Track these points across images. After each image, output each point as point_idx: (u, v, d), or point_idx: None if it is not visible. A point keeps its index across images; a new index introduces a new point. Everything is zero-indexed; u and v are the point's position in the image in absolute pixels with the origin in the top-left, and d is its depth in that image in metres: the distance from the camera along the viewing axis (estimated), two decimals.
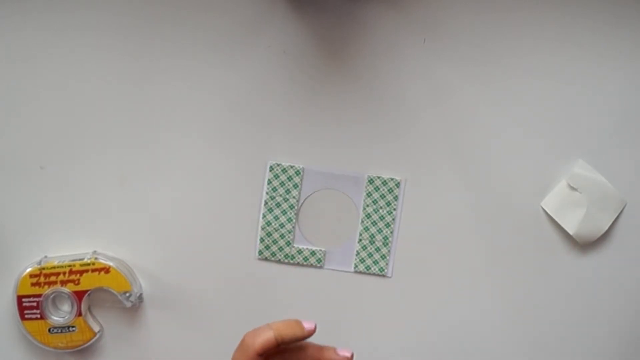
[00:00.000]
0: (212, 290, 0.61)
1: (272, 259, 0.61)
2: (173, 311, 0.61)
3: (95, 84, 0.61)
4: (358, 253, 0.60)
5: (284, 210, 0.60)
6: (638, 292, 0.60)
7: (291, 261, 0.61)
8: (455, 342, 0.61)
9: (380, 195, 0.60)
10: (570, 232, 0.59)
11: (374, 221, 0.60)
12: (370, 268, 0.60)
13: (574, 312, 0.60)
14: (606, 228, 0.60)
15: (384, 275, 0.61)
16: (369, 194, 0.60)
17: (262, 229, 0.61)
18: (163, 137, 0.61)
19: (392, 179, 0.60)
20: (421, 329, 0.61)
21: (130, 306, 0.60)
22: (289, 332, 0.51)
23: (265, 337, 0.49)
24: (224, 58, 0.61)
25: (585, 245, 0.60)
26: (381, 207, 0.60)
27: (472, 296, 0.60)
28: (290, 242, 0.61)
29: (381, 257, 0.60)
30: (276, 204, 0.60)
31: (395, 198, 0.60)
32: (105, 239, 0.61)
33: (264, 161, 0.61)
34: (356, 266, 0.60)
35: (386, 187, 0.60)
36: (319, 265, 0.61)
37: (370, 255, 0.60)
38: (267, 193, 0.60)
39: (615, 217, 0.60)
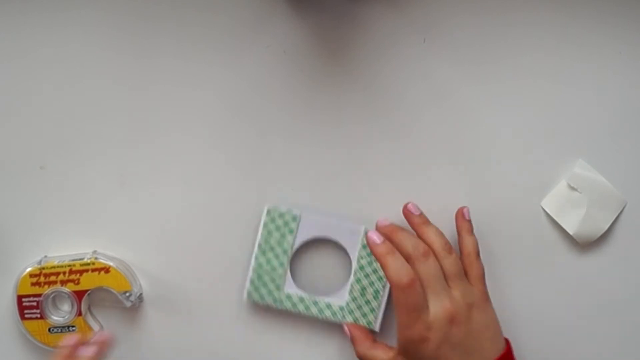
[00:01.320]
0: (213, 290, 0.61)
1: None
2: (173, 311, 0.61)
3: (94, 84, 0.61)
4: (348, 304, 0.59)
5: (277, 254, 0.59)
6: (638, 292, 0.60)
7: (279, 306, 0.59)
8: None
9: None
10: (570, 232, 0.59)
11: (367, 274, 0.59)
12: (357, 321, 0.59)
13: (574, 312, 0.60)
14: (606, 228, 0.60)
15: (371, 330, 0.59)
16: (364, 246, 0.59)
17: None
18: (163, 137, 0.61)
19: None
20: None
21: (130, 306, 0.60)
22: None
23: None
24: (224, 58, 0.61)
25: (585, 245, 0.60)
26: (375, 261, 0.58)
27: None
28: (280, 285, 0.59)
29: (370, 310, 0.59)
30: (269, 248, 0.59)
31: None
32: (105, 239, 0.61)
33: (263, 160, 0.61)
34: (344, 317, 0.59)
35: None
36: (305, 313, 0.59)
37: (359, 307, 0.59)
38: (262, 235, 0.59)
39: (615, 217, 0.60)
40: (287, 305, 0.59)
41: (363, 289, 0.59)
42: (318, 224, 0.60)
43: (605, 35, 0.60)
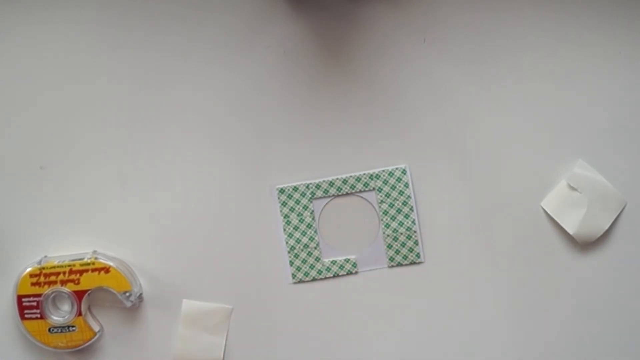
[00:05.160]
0: (213, 290, 0.61)
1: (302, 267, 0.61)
2: (173, 311, 0.61)
3: (94, 84, 0.61)
4: (387, 251, 0.60)
5: (303, 231, 0.61)
6: (638, 292, 0.60)
7: (327, 274, 0.61)
8: (453, 340, 0.61)
9: (391, 187, 0.60)
10: (570, 232, 0.59)
11: (393, 216, 0.60)
12: (405, 259, 0.60)
13: (574, 312, 0.60)
14: (606, 228, 0.60)
15: (420, 262, 0.60)
16: (379, 190, 0.60)
17: (289, 251, 0.60)
18: (163, 137, 0.61)
19: (397, 168, 0.60)
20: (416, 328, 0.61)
21: (130, 306, 0.60)
22: None
23: None
24: (224, 58, 0.61)
25: (585, 245, 0.60)
26: (396, 199, 0.60)
27: (471, 297, 0.60)
28: (320, 257, 0.61)
29: (410, 249, 0.60)
30: (294, 228, 0.61)
31: (406, 185, 0.60)
32: (105, 239, 0.61)
33: (264, 160, 0.61)
34: (392, 259, 0.60)
35: (394, 178, 0.60)
36: (354, 270, 0.61)
37: (398, 250, 0.60)
38: (282, 217, 0.61)
39: (615, 217, 0.60)
40: (335, 270, 0.60)
41: (395, 230, 0.60)
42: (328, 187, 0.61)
43: (605, 35, 0.60)
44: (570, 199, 0.60)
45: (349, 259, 0.60)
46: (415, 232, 0.60)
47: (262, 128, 0.61)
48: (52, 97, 0.61)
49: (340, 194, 0.61)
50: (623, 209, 0.60)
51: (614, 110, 0.60)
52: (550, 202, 0.60)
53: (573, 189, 0.60)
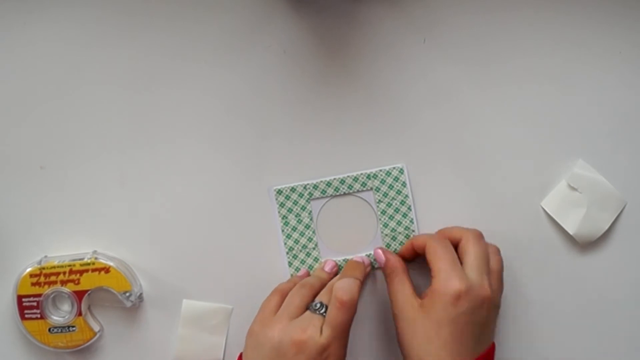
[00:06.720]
0: (213, 290, 0.61)
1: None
2: (173, 311, 0.61)
3: (94, 84, 0.61)
4: (389, 246, 0.60)
5: (302, 232, 0.61)
6: (638, 292, 0.60)
7: None
8: None
9: (389, 187, 0.60)
10: (570, 232, 0.59)
11: (391, 215, 0.60)
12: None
13: (574, 312, 0.60)
14: (606, 228, 0.60)
15: None
16: (377, 189, 0.60)
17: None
18: (163, 137, 0.61)
19: (394, 168, 0.60)
20: None
21: (130, 306, 0.60)
22: (364, 274, 0.58)
23: (356, 287, 0.54)
24: (224, 58, 0.61)
25: (585, 245, 0.60)
26: (394, 198, 0.60)
27: None
28: (318, 258, 0.61)
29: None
30: (292, 229, 0.61)
31: (404, 185, 0.60)
32: (105, 239, 0.61)
33: (264, 160, 0.61)
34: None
35: (391, 177, 0.60)
36: None
37: (397, 250, 0.60)
38: (281, 219, 0.61)
39: (615, 217, 0.60)
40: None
41: (393, 230, 0.60)
42: (327, 187, 0.61)
43: (605, 35, 0.60)
44: (570, 199, 0.60)
45: (347, 259, 0.60)
46: (413, 231, 0.60)
47: (260, 128, 0.61)
48: (52, 97, 0.61)
49: (337, 194, 0.61)
50: (623, 209, 0.60)
51: (614, 111, 0.60)
52: (550, 202, 0.60)
53: (573, 189, 0.60)
